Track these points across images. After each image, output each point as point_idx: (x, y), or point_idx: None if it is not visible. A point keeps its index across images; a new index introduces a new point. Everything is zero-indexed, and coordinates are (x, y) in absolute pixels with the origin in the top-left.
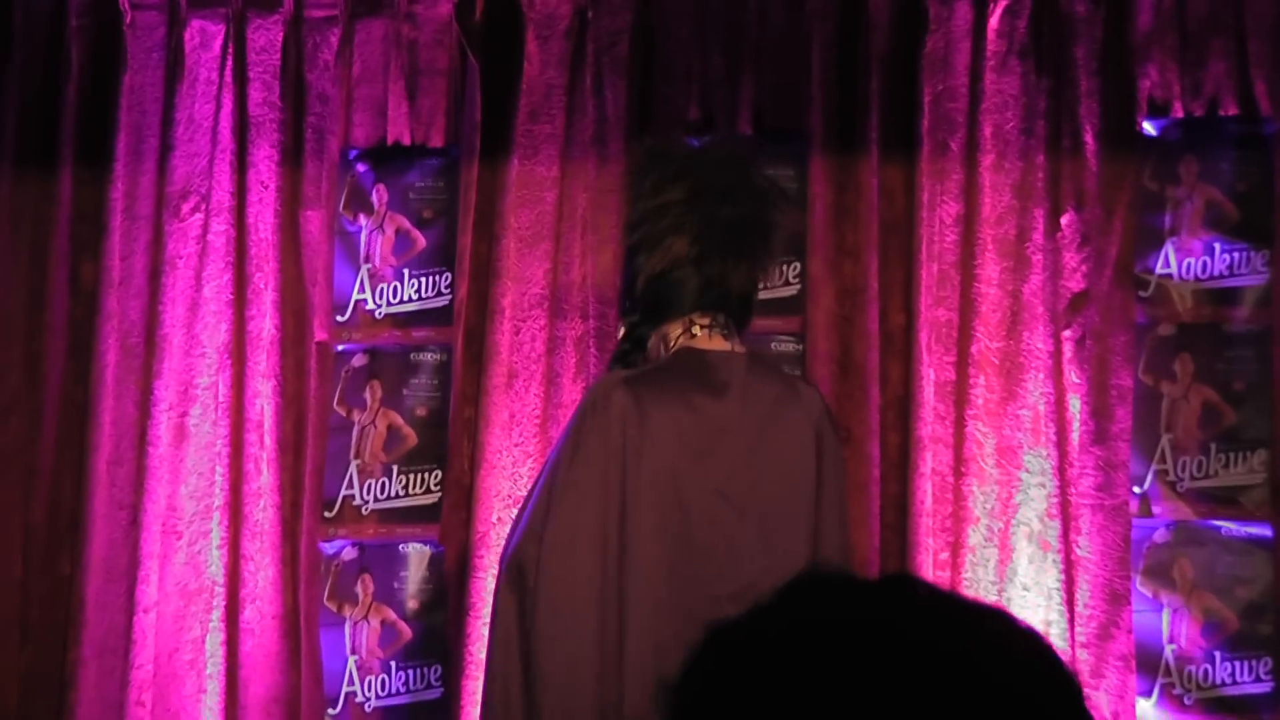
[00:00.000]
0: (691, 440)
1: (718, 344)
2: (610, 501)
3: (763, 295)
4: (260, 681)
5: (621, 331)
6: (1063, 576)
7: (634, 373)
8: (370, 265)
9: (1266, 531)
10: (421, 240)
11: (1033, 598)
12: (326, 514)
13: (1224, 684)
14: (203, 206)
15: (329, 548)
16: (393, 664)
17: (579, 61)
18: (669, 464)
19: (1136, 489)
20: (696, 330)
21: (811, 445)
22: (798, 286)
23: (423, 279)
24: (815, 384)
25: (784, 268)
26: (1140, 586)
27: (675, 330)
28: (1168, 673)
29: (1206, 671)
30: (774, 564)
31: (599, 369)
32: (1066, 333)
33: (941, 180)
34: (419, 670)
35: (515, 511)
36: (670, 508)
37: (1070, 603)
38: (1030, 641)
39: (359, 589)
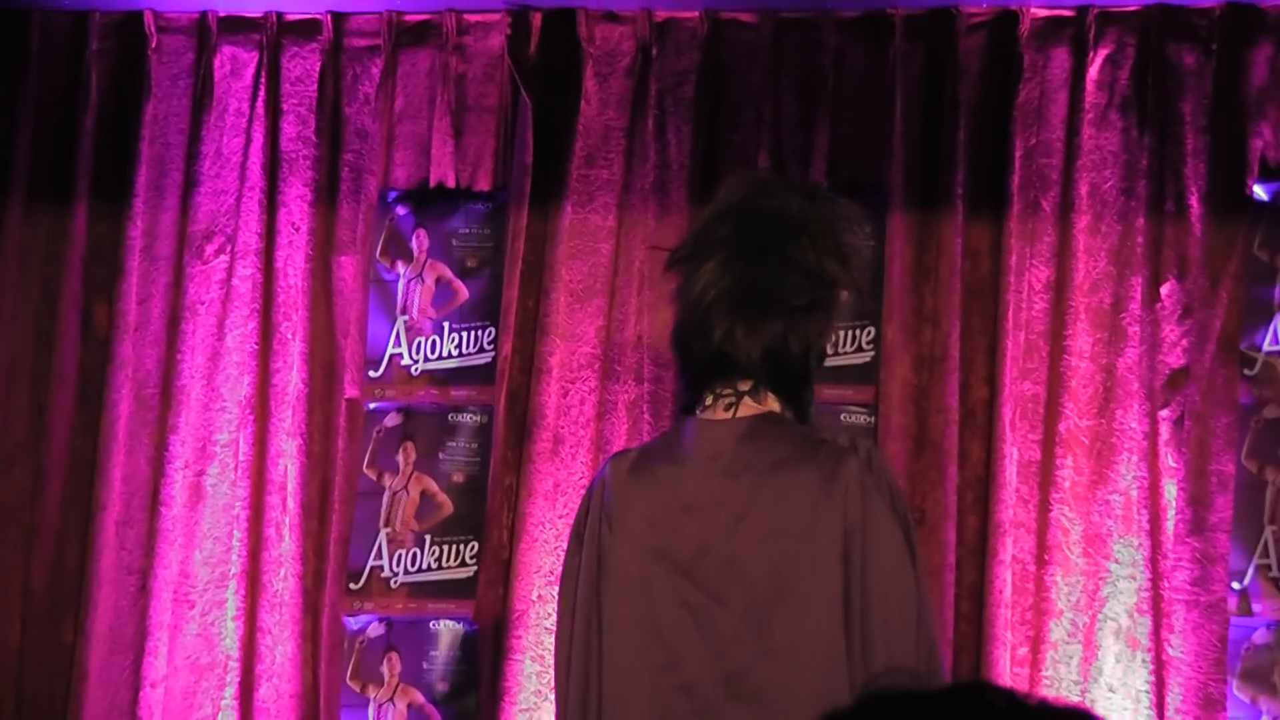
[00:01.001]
0: (658, 518)
1: (717, 414)
2: (587, 595)
3: (833, 362)
4: None
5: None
6: (1152, 678)
7: (631, 449)
8: (407, 317)
9: None
10: (464, 291)
11: (1119, 700)
12: (352, 586)
13: None
14: (228, 248)
15: (353, 623)
16: None
17: (641, 103)
18: (636, 545)
19: (1236, 585)
20: (709, 400)
21: (829, 515)
22: (871, 353)
23: (464, 334)
24: (866, 448)
25: (856, 332)
26: (1237, 691)
27: (698, 401)
28: None
29: None
30: (772, 651)
31: (653, 435)
32: (1164, 412)
33: (1032, 242)
34: None
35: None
36: (638, 594)
37: (1160, 706)
38: None
39: (385, 668)
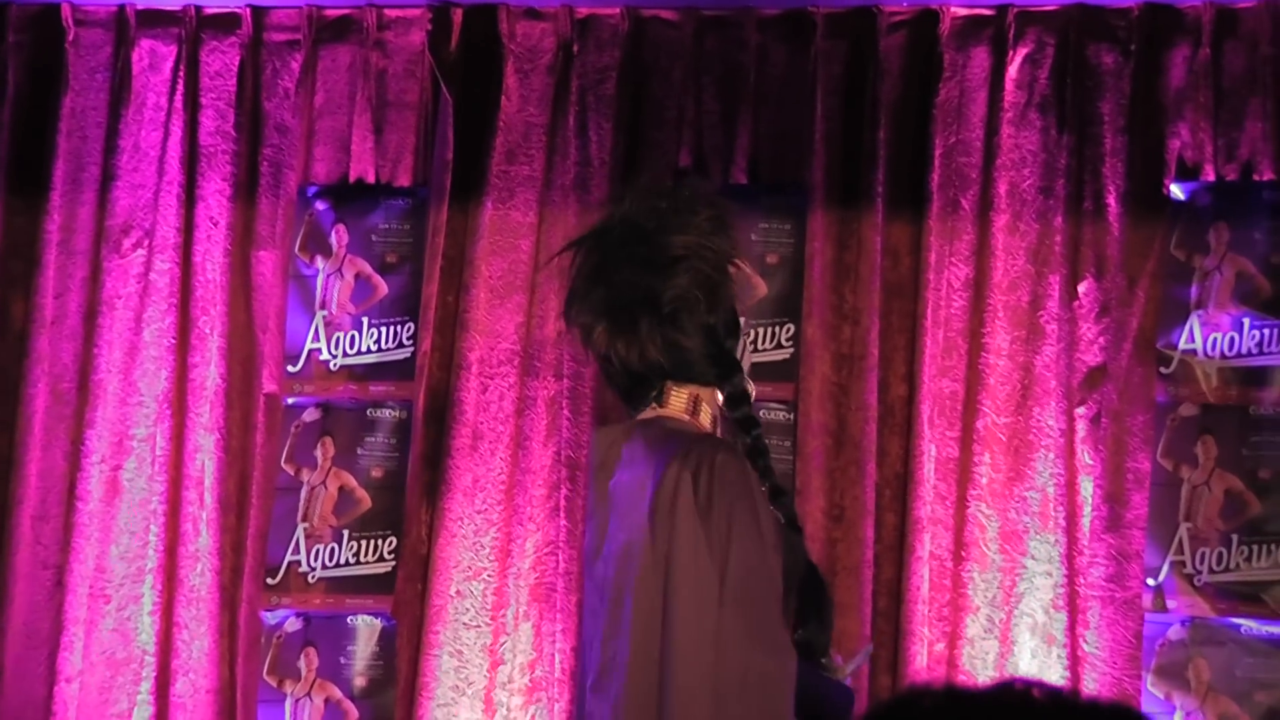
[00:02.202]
0: (587, 529)
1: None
2: None
3: (752, 359)
4: None
5: None
6: (1068, 674)
7: None
8: (326, 312)
9: None
10: (383, 287)
11: None
12: (269, 581)
13: None
14: (145, 242)
15: (271, 618)
16: None
17: (562, 99)
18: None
19: (1151, 581)
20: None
21: (651, 521)
22: (790, 350)
23: (383, 329)
24: (698, 456)
25: (775, 329)
26: (1151, 687)
27: None
28: None
29: None
30: (621, 648)
31: (571, 432)
32: (1081, 410)
33: (951, 241)
34: None
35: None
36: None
37: None
38: None
39: (302, 664)
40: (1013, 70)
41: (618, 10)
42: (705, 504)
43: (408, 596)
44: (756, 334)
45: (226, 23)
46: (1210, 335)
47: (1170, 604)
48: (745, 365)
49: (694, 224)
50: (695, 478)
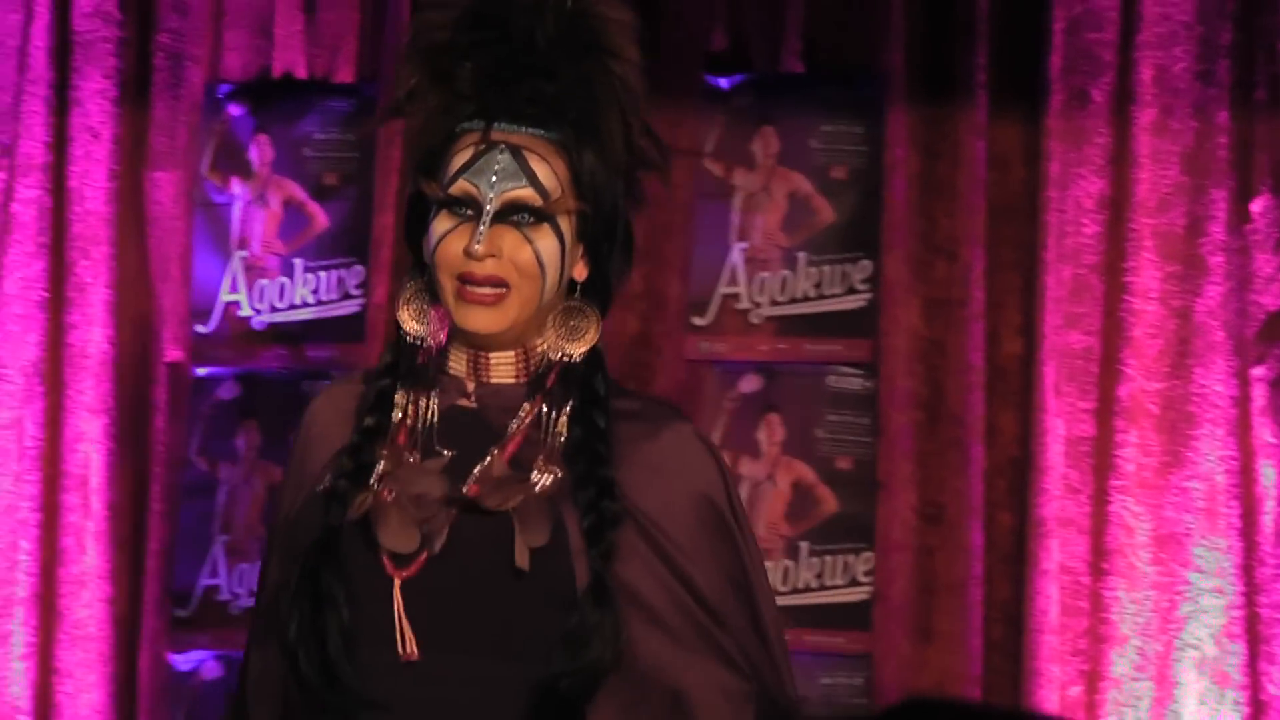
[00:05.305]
0: None
1: None
2: None
3: (816, 308)
4: None
5: None
6: None
7: None
8: (246, 253)
9: None
10: (322, 217)
11: None
12: (179, 613)
13: None
14: (5, 162)
15: (182, 662)
16: None
17: None
18: None
19: None
20: None
21: None
22: (867, 296)
23: (323, 275)
24: None
25: (846, 269)
26: None
27: None
28: None
29: None
30: None
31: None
32: (1258, 370)
33: (1078, 146)
34: None
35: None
36: None
37: None
38: None
39: None
40: None
41: None
42: None
43: None
44: (820, 275)
45: None
46: None
47: None
48: None
49: None
50: None
